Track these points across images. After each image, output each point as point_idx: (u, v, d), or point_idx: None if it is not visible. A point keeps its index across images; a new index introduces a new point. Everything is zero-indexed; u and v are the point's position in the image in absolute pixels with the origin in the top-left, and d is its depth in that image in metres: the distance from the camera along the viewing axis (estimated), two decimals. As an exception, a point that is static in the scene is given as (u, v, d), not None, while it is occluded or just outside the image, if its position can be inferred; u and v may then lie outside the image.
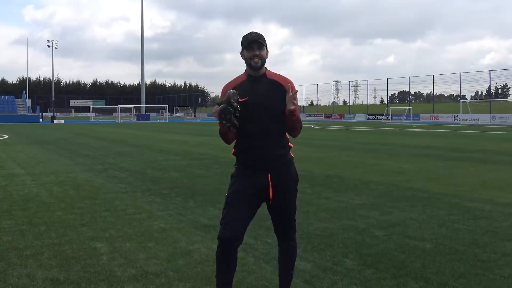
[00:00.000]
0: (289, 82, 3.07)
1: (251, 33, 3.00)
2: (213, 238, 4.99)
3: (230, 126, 2.89)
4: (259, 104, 2.97)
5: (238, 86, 3.04)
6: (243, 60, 3.04)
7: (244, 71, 3.10)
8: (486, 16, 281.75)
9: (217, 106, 2.90)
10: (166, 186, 8.33)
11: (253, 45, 2.96)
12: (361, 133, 28.23)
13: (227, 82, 3.13)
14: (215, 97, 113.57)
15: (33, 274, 3.93)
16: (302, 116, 73.02)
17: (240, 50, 3.03)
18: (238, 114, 2.90)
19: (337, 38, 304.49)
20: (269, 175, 3.01)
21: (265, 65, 3.06)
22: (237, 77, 3.12)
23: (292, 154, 3.17)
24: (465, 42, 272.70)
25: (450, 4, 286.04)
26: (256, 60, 2.97)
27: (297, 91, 2.95)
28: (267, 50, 3.03)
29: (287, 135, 3.14)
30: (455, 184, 8.50)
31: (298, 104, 3.01)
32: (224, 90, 3.07)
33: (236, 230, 2.97)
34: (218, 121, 2.90)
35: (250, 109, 2.97)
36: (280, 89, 3.01)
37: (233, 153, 3.14)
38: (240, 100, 2.97)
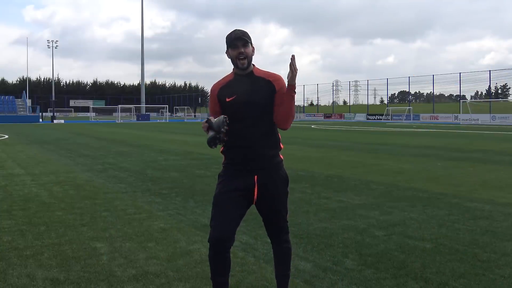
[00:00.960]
0: (278, 77, 3.01)
1: (235, 30, 2.94)
2: (213, 238, 4.99)
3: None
4: (246, 102, 2.91)
5: (225, 85, 3.00)
6: (229, 60, 2.98)
7: (232, 69, 3.04)
8: (486, 16, 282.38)
9: (206, 124, 2.81)
10: (166, 186, 8.33)
11: (237, 42, 2.89)
12: (361, 133, 28.23)
13: (215, 81, 3.08)
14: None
15: (33, 274, 3.93)
16: (302, 116, 72.96)
17: (226, 50, 2.97)
18: (226, 138, 2.85)
19: (337, 38, 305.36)
20: (256, 177, 2.95)
21: (253, 63, 3.00)
22: (225, 76, 3.07)
23: (281, 156, 3.10)
24: (465, 42, 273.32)
25: (449, 4, 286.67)
26: (242, 61, 2.90)
27: (293, 55, 2.80)
28: (253, 47, 2.96)
29: (279, 135, 3.09)
30: (455, 184, 8.50)
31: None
32: (212, 90, 3.04)
33: (226, 231, 2.89)
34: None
35: (237, 108, 2.92)
36: (268, 85, 2.96)
37: (221, 152, 3.08)
38: (228, 99, 2.94)
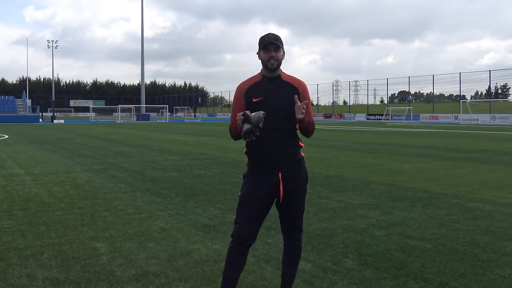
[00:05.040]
0: (302, 84, 3.14)
1: (269, 34, 3.05)
2: (213, 238, 4.99)
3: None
4: (272, 104, 3.02)
5: (253, 85, 3.10)
6: (259, 60, 3.09)
7: (260, 71, 3.15)
8: (484, 16, 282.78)
9: (242, 116, 2.86)
10: (166, 186, 8.33)
11: (270, 46, 3.01)
12: (361, 133, 28.22)
13: (242, 81, 3.18)
14: (215, 97, 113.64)
15: (33, 274, 3.93)
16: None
17: (257, 50, 3.08)
18: (258, 134, 2.92)
19: (336, 39, 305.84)
20: (280, 174, 3.06)
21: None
22: (253, 76, 3.17)
23: (303, 154, 3.21)
24: (464, 43, 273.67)
25: (447, 4, 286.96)
26: (272, 62, 3.02)
27: (306, 102, 2.98)
28: (284, 52, 3.09)
29: (298, 134, 3.18)
30: (455, 184, 8.49)
31: (314, 104, 3.04)
32: (239, 89, 3.14)
33: (249, 230, 3.05)
34: (238, 126, 2.94)
35: (264, 109, 3.00)
36: (293, 90, 3.08)
37: (244, 152, 3.18)
38: (254, 100, 3.03)
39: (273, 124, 3.01)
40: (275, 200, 3.14)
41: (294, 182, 3.10)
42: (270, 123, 3.00)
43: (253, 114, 2.86)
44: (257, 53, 3.09)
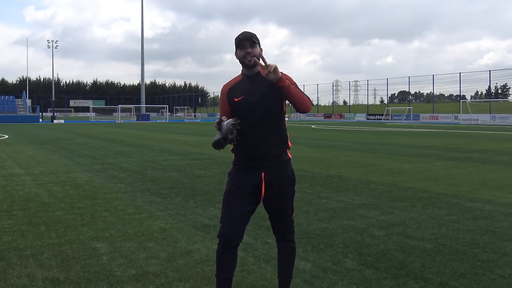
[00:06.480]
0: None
1: (243, 32, 3.03)
2: (213, 238, 4.99)
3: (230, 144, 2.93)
4: (254, 102, 2.99)
5: (234, 85, 3.09)
6: (238, 60, 3.06)
7: (241, 71, 3.12)
8: (484, 17, 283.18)
9: (217, 123, 2.90)
10: (166, 186, 8.33)
11: (245, 43, 2.98)
12: (361, 133, 28.22)
13: (225, 83, 3.17)
14: (215, 97, 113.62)
15: (33, 274, 3.93)
16: (302, 116, 72.92)
17: (235, 51, 3.05)
18: (235, 142, 2.93)
19: (336, 39, 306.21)
20: (263, 174, 3.02)
21: None
22: (235, 77, 3.16)
23: (290, 155, 3.16)
24: (463, 43, 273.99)
25: (447, 5, 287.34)
26: (249, 58, 2.97)
27: (259, 52, 2.94)
28: (261, 49, 3.04)
29: (287, 134, 3.15)
30: (455, 184, 8.49)
31: (314, 104, 2.99)
32: (222, 90, 3.13)
33: (234, 229, 2.98)
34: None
35: (245, 108, 3.00)
36: (274, 86, 2.98)
37: (231, 150, 3.17)
38: (236, 100, 3.02)
39: (256, 121, 2.99)
40: (263, 201, 3.10)
41: (279, 183, 3.05)
42: (252, 120, 2.99)
43: (225, 123, 2.85)
44: (235, 54, 3.05)
